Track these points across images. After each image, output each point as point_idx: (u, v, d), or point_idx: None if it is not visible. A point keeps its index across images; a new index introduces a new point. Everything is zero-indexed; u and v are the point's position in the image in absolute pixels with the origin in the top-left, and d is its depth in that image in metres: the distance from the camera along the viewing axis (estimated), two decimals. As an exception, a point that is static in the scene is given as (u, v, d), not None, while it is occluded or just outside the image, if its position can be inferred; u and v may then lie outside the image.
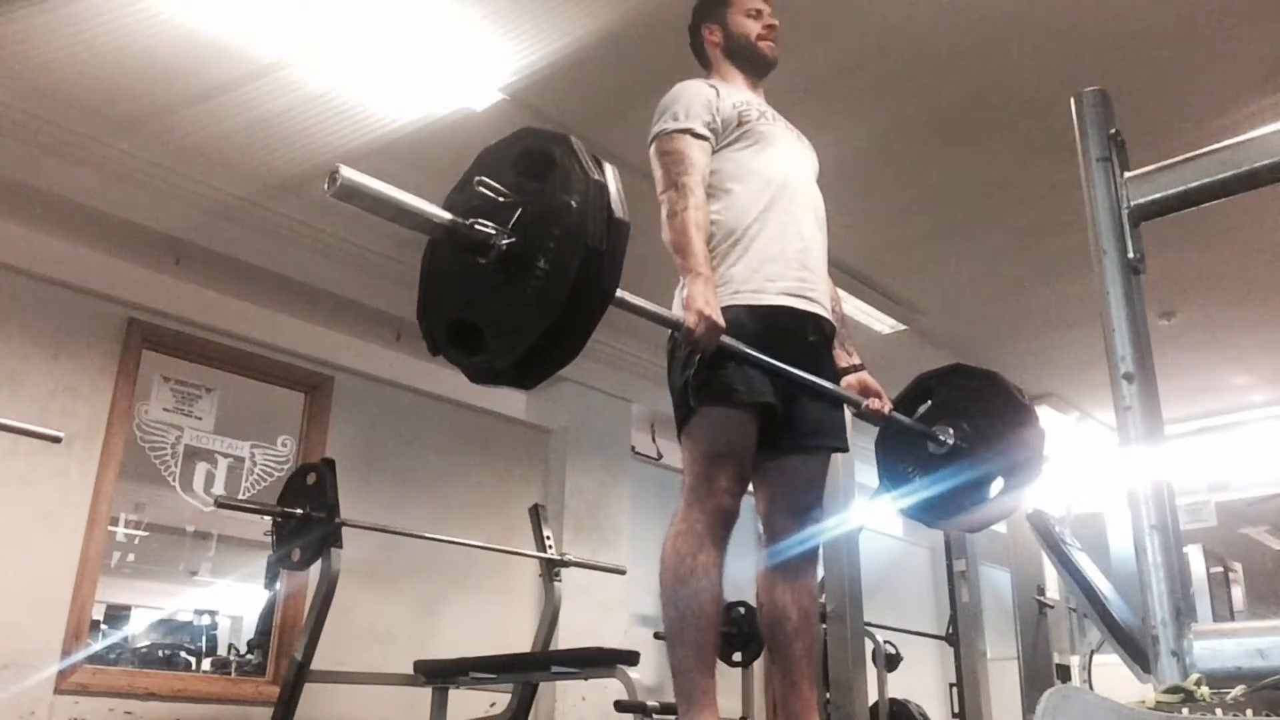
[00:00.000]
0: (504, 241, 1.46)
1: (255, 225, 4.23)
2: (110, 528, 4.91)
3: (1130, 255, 1.13)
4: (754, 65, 2.39)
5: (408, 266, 5.46)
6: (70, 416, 3.82)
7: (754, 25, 2.38)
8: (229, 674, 5.16)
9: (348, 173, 1.33)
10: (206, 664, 6.06)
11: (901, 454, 2.44)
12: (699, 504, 1.98)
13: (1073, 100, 1.22)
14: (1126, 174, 1.16)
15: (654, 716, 3.13)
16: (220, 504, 3.72)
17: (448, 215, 1.48)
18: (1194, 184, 1.13)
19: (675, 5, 3.08)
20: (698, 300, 1.90)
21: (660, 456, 6.12)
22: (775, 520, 2.16)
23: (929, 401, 2.45)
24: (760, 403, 1.99)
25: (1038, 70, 3.33)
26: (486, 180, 1.50)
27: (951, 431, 2.35)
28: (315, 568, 3.56)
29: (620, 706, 3.29)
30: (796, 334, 2.11)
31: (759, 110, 2.27)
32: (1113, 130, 1.19)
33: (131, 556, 7.44)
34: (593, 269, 1.41)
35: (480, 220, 1.47)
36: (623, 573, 4.74)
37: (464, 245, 1.49)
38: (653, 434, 6.13)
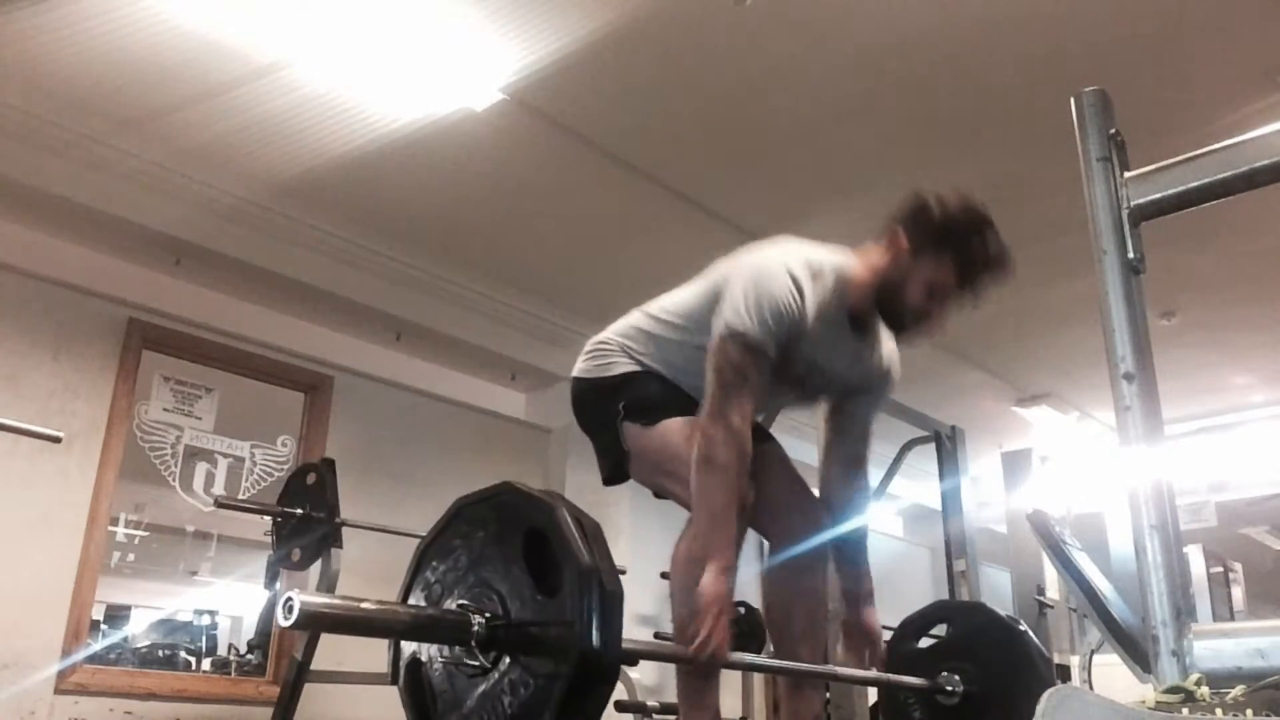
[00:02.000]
0: (479, 660, 1.33)
1: (255, 225, 4.23)
2: (110, 528, 4.91)
3: (1130, 255, 1.13)
4: (884, 317, 2.00)
5: (408, 266, 5.45)
6: (70, 416, 3.82)
7: (922, 302, 1.92)
8: (229, 674, 5.17)
9: (305, 601, 1.18)
10: (206, 664, 6.06)
11: (907, 693, 2.26)
12: None
13: (1073, 100, 1.22)
14: (1126, 174, 1.16)
15: (654, 716, 3.13)
16: (220, 504, 3.73)
17: (415, 616, 1.38)
18: (1194, 184, 1.13)
19: (675, 5, 3.09)
20: (710, 600, 1.71)
21: (660, 456, 6.10)
22: (768, 519, 2.09)
23: (944, 627, 2.34)
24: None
25: (1038, 70, 3.33)
26: (465, 603, 1.38)
27: (959, 680, 2.16)
28: (315, 568, 3.56)
29: (620, 706, 3.29)
30: None
31: (820, 361, 1.97)
32: (1113, 130, 1.18)
33: (131, 556, 7.44)
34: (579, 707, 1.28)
35: (453, 648, 1.36)
36: (622, 573, 4.73)
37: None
38: (653, 434, 6.12)
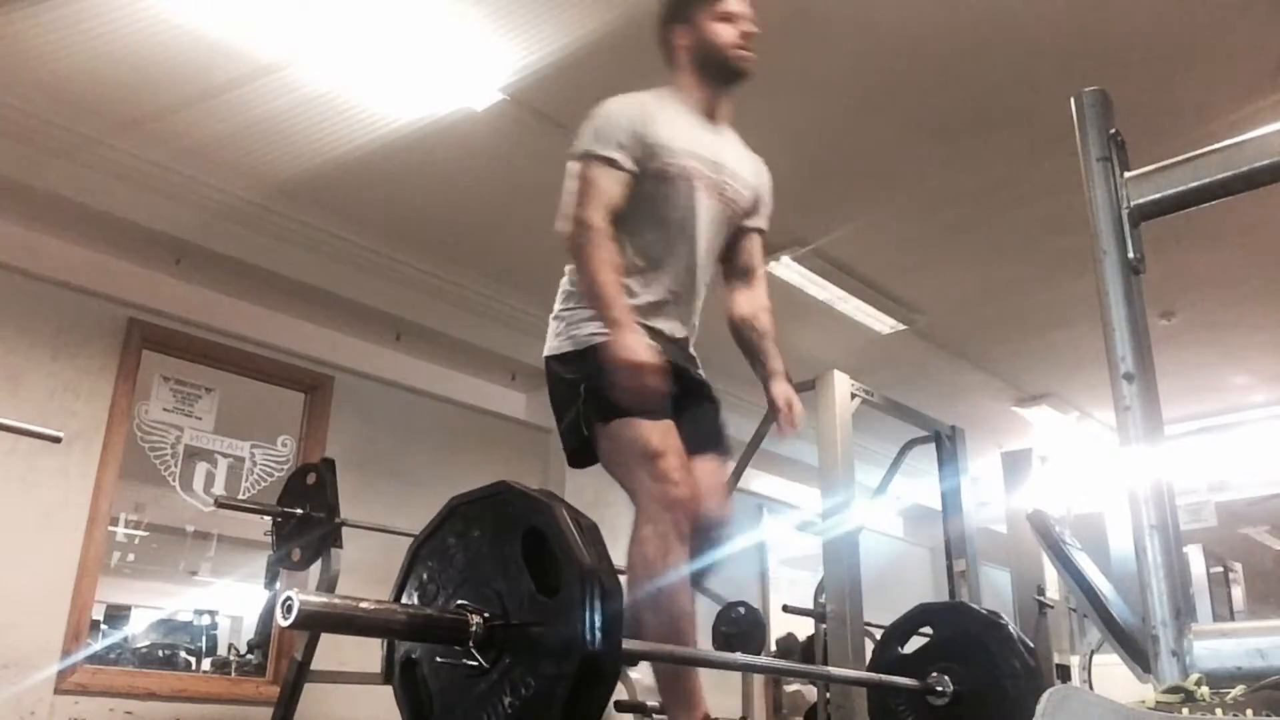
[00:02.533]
0: (477, 660, 1.33)
1: (255, 225, 4.23)
2: (110, 528, 4.91)
3: (1130, 255, 1.13)
4: (723, 76, 2.19)
5: (408, 266, 5.44)
6: (70, 416, 3.82)
7: (728, 32, 2.15)
8: (229, 674, 5.16)
9: (304, 600, 1.18)
10: (206, 664, 6.06)
11: (897, 698, 2.26)
12: (654, 504, 1.90)
13: (1073, 100, 1.21)
14: (1126, 174, 1.16)
15: (654, 716, 3.13)
16: (220, 504, 3.72)
17: (413, 616, 1.37)
18: (1194, 184, 1.12)
19: (675, 5, 3.09)
20: (623, 352, 1.84)
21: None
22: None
23: (927, 629, 2.34)
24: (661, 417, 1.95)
25: (1038, 70, 3.33)
26: (463, 603, 1.37)
27: (949, 680, 2.19)
28: (315, 568, 3.56)
29: (620, 706, 3.28)
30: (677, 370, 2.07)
31: (686, 149, 2.09)
32: (1113, 130, 1.18)
33: (131, 556, 7.44)
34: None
35: (451, 646, 1.34)
36: (622, 573, 4.74)
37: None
38: (653, 434, 6.11)
